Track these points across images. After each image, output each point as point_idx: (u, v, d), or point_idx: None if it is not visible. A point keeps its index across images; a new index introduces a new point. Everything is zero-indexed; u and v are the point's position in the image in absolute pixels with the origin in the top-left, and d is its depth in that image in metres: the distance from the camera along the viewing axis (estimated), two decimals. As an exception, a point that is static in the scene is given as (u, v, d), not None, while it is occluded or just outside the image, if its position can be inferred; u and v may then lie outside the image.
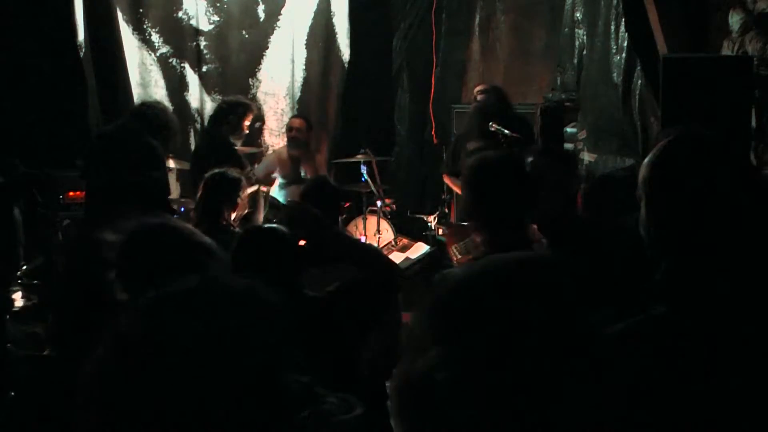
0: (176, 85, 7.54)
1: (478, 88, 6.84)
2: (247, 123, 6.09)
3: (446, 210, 7.04)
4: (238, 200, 4.19)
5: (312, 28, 8.01)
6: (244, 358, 1.43)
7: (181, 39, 7.53)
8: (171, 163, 6.63)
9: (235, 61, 7.74)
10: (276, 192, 6.72)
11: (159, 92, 7.51)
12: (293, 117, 7.28)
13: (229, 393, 1.39)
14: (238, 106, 6.09)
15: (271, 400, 1.44)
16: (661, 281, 1.57)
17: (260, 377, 1.43)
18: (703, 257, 1.54)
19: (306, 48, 8.01)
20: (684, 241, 1.56)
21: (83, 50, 6.86)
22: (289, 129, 6.96)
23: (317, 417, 1.50)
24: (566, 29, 7.61)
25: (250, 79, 7.83)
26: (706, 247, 1.55)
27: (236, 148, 6.17)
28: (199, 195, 4.25)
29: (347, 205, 6.85)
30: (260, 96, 7.90)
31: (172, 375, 1.38)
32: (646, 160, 1.71)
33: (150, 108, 5.01)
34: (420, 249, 7.00)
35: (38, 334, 5.39)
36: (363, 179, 6.89)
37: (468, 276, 1.21)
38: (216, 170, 4.28)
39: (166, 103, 7.53)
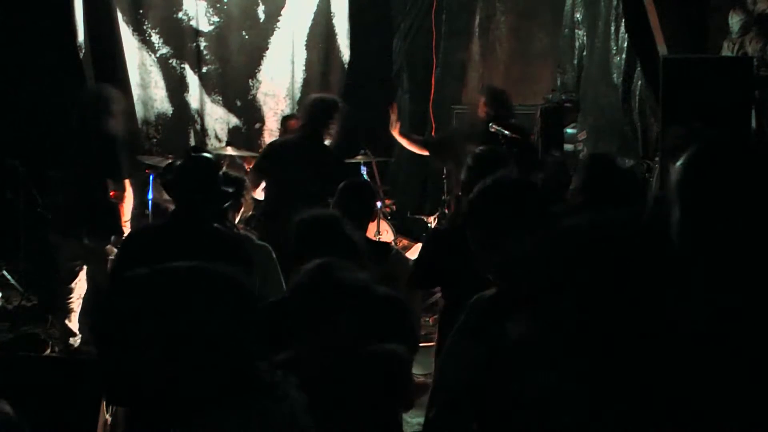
0: (176, 86, 7.54)
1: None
2: None
3: (446, 210, 7.04)
4: (242, 201, 4.18)
5: (312, 28, 8.01)
6: (221, 340, 1.54)
7: (181, 40, 7.53)
8: (171, 164, 6.63)
9: (235, 61, 7.74)
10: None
11: (159, 93, 7.51)
12: (289, 118, 7.19)
13: (199, 375, 1.51)
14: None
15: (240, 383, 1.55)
16: (698, 283, 1.56)
17: (231, 358, 1.55)
18: (742, 258, 1.52)
19: (306, 49, 8.01)
20: (724, 244, 1.53)
21: (83, 51, 6.86)
22: (285, 132, 6.98)
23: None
24: (566, 30, 7.62)
25: (250, 80, 7.83)
26: (746, 248, 1.53)
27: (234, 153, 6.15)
28: None
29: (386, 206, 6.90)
30: (260, 97, 7.90)
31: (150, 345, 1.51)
32: (680, 163, 1.68)
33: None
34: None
35: (38, 334, 5.40)
36: (363, 180, 6.88)
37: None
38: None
39: (166, 103, 7.54)
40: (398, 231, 7.17)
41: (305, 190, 4.71)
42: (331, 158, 5.25)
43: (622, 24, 6.67)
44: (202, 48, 7.60)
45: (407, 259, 3.97)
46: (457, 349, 2.18)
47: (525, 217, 2.15)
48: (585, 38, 7.38)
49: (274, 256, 3.74)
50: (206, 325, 1.53)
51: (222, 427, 1.53)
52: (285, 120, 7.18)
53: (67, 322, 4.97)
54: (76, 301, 4.96)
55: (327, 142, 5.23)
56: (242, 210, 4.14)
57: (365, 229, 3.66)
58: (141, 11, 7.34)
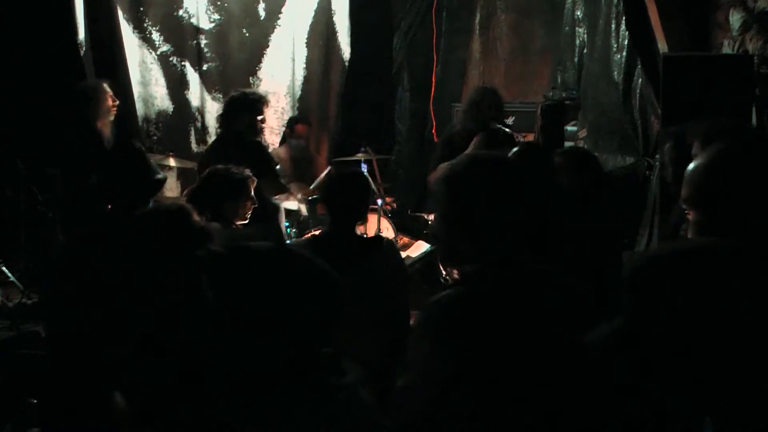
0: (177, 84, 7.54)
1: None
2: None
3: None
4: (245, 200, 4.18)
5: (312, 26, 8.00)
6: (296, 321, 1.54)
7: (181, 37, 7.53)
8: (171, 162, 6.64)
9: (235, 59, 7.74)
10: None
11: (159, 91, 7.51)
12: (296, 120, 7.21)
13: (273, 352, 1.52)
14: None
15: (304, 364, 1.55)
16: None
17: (302, 344, 1.55)
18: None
19: (306, 46, 8.01)
20: (750, 240, 1.49)
21: (83, 49, 6.86)
22: (291, 133, 6.98)
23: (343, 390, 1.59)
24: (567, 28, 7.61)
25: (250, 78, 7.83)
26: None
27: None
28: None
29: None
30: (261, 94, 7.89)
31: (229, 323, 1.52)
32: (696, 166, 1.63)
33: None
34: (420, 247, 7.00)
35: (38, 334, 5.40)
36: (363, 178, 6.88)
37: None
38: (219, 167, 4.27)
39: (167, 101, 7.54)
40: (399, 228, 7.16)
41: None
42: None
43: (623, 22, 6.66)
44: (202, 45, 7.60)
45: (398, 252, 3.82)
46: (419, 355, 1.89)
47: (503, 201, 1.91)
48: (585, 36, 7.38)
49: None
50: (284, 305, 1.53)
51: (287, 411, 1.53)
52: (292, 122, 7.18)
53: None
54: None
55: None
56: (249, 208, 4.13)
57: (355, 219, 3.45)
58: (141, 9, 7.34)
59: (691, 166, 1.65)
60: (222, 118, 5.43)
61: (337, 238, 3.37)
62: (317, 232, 4.04)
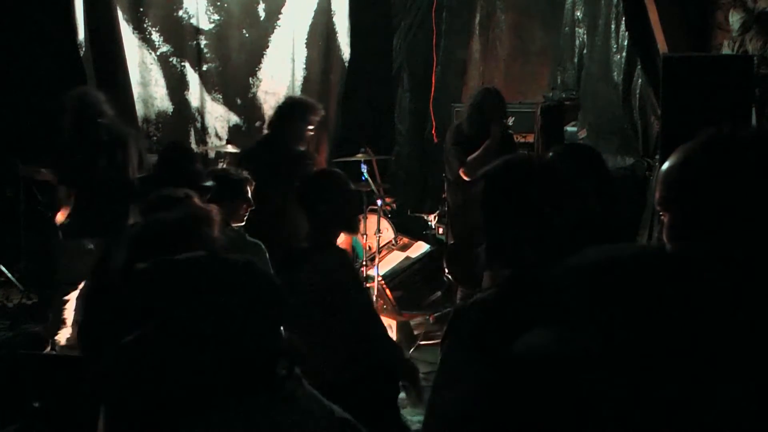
0: (176, 84, 7.54)
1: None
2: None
3: (446, 209, 7.04)
4: (242, 200, 4.19)
5: (312, 26, 8.00)
6: (239, 333, 1.49)
7: (181, 38, 7.53)
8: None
9: (235, 59, 7.74)
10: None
11: (159, 91, 7.51)
12: None
13: (216, 364, 1.46)
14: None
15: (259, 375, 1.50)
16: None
17: (251, 349, 1.49)
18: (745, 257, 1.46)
19: (306, 47, 8.01)
20: (723, 244, 1.46)
21: (83, 49, 6.86)
22: None
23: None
24: (566, 28, 7.61)
25: (250, 78, 7.83)
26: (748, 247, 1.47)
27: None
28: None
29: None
30: (260, 95, 7.89)
31: (165, 338, 1.45)
32: (667, 167, 1.58)
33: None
34: (420, 248, 7.00)
35: (38, 334, 5.40)
36: (363, 178, 6.88)
37: None
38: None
39: (167, 102, 7.54)
40: (398, 229, 7.17)
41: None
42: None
43: (623, 22, 6.67)
44: (202, 46, 7.60)
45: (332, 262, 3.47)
46: (450, 364, 1.93)
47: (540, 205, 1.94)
48: (585, 36, 7.38)
49: (266, 254, 3.79)
50: (224, 317, 1.47)
51: (232, 426, 1.48)
52: None
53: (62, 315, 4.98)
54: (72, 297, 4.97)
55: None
56: (246, 209, 4.14)
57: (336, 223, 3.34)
58: (141, 9, 7.33)
59: (663, 166, 1.60)
60: (273, 121, 5.54)
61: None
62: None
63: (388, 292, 6.23)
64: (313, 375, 1.70)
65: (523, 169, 2.05)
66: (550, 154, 2.77)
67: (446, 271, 6.06)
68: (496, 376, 1.66)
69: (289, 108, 5.56)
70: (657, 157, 5.71)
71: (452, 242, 5.97)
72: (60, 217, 5.07)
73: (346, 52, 8.20)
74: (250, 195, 4.15)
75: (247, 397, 1.48)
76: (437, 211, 7.14)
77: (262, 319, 1.52)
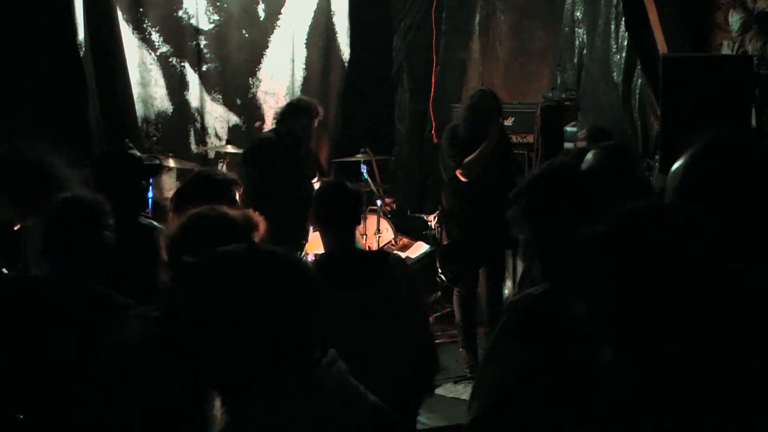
0: (176, 84, 7.54)
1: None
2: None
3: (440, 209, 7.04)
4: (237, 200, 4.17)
5: (312, 27, 8.01)
6: (279, 319, 1.56)
7: (181, 38, 7.53)
8: (171, 163, 6.64)
9: (235, 60, 7.74)
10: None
11: (159, 91, 7.51)
12: None
13: (259, 350, 1.53)
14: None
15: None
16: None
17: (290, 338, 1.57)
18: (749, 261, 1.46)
19: (306, 47, 8.01)
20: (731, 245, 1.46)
21: (83, 50, 6.85)
22: None
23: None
24: (566, 28, 7.61)
25: (250, 79, 7.83)
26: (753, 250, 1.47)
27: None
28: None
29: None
30: (260, 95, 7.89)
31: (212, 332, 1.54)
32: (674, 171, 1.58)
33: None
34: (420, 248, 7.01)
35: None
36: (363, 178, 6.89)
37: None
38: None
39: (166, 102, 7.54)
40: (398, 229, 7.17)
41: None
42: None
43: (623, 22, 6.67)
44: (202, 46, 7.60)
45: (404, 262, 3.69)
46: (498, 350, 2.08)
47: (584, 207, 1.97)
48: (585, 36, 7.38)
49: None
50: (264, 302, 1.55)
51: (273, 405, 1.54)
52: None
53: None
54: None
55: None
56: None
57: (347, 233, 3.36)
58: (141, 9, 7.33)
59: (672, 169, 1.61)
60: (281, 120, 6.02)
61: (340, 257, 3.28)
62: (318, 254, 3.97)
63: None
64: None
65: (572, 172, 2.19)
66: (593, 153, 2.80)
67: (439, 271, 6.06)
68: (537, 363, 1.83)
69: (292, 108, 5.66)
70: (657, 157, 5.71)
71: (445, 243, 5.99)
72: None
73: (346, 52, 8.20)
74: (237, 197, 4.12)
75: (274, 380, 1.54)
76: (437, 212, 7.14)
77: (295, 304, 1.59)
